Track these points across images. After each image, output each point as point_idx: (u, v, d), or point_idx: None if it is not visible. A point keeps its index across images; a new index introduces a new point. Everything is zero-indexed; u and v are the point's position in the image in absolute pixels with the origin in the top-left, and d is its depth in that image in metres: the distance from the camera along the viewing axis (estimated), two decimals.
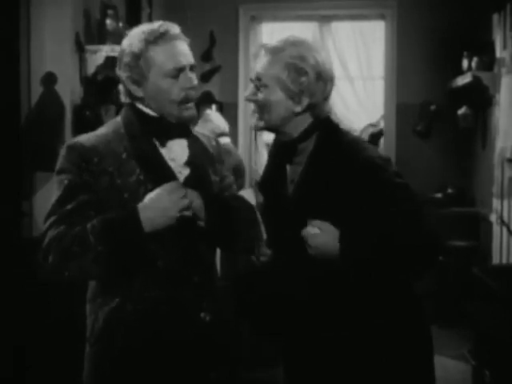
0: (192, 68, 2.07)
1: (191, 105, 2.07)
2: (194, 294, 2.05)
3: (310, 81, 2.08)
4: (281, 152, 2.20)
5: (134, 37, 2.04)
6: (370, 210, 2.03)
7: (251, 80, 2.16)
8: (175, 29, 2.05)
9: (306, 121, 2.14)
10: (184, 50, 2.05)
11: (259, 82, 2.11)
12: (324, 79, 2.11)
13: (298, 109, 2.11)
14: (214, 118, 4.30)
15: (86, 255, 1.90)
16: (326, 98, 2.15)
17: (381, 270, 2.05)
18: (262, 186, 2.31)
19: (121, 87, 2.10)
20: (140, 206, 1.93)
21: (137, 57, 2.01)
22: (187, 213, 1.96)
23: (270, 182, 2.25)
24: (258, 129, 2.20)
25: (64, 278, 1.95)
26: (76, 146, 2.02)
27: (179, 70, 2.02)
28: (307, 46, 2.11)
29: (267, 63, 2.10)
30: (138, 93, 2.05)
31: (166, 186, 1.96)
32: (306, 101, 2.10)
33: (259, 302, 2.45)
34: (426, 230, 2.07)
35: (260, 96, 2.11)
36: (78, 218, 1.95)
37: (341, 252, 2.00)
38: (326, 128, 2.16)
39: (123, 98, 2.11)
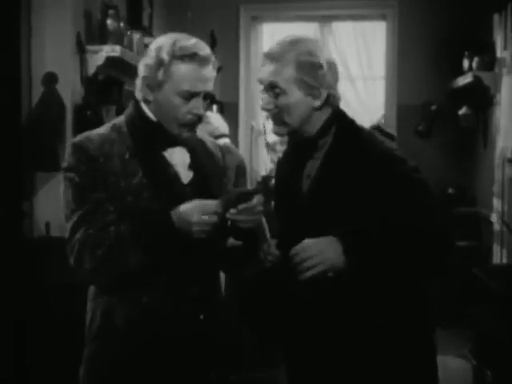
0: (207, 96, 2.06)
1: (192, 127, 2.08)
2: (194, 295, 2.05)
3: (325, 72, 2.10)
4: (301, 149, 2.18)
5: (165, 44, 2.02)
6: (385, 204, 2.03)
7: (263, 91, 2.14)
8: (206, 51, 2.03)
9: (324, 115, 2.15)
10: (206, 76, 2.03)
11: (274, 90, 2.10)
12: (334, 68, 2.14)
13: (318, 103, 2.12)
14: (213, 120, 4.30)
15: (123, 263, 1.94)
16: (337, 85, 2.17)
17: (389, 269, 2.05)
18: (277, 184, 2.30)
19: (137, 82, 2.09)
20: (172, 213, 1.94)
21: (160, 65, 2.00)
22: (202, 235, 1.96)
23: (286, 179, 2.24)
24: (281, 135, 2.19)
25: (101, 282, 2.03)
26: (82, 145, 2.02)
27: (192, 95, 2.01)
28: (310, 41, 2.13)
29: (278, 68, 2.09)
30: (149, 96, 2.05)
31: (203, 205, 1.95)
32: (325, 93, 2.11)
33: (262, 302, 2.44)
34: (438, 227, 2.07)
35: (278, 102, 2.10)
36: (101, 216, 1.96)
37: (348, 264, 2.00)
38: (343, 122, 2.18)
39: (137, 93, 2.10)
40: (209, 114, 4.30)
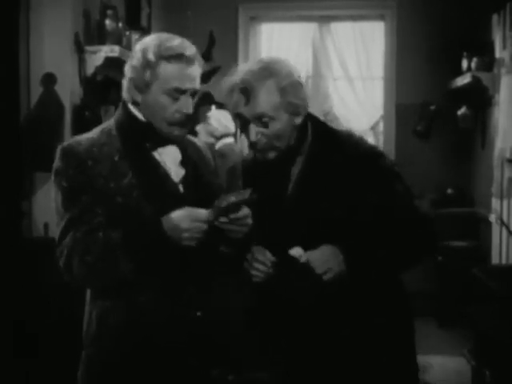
0: (194, 94, 2.07)
1: (182, 126, 2.08)
2: (190, 295, 2.05)
3: (304, 88, 2.12)
4: (283, 157, 2.16)
5: (151, 45, 2.03)
6: (372, 198, 2.06)
7: (251, 123, 2.10)
8: (192, 50, 2.05)
9: (298, 127, 2.15)
10: (192, 75, 2.05)
11: (262, 120, 2.08)
12: (302, 79, 2.15)
13: (299, 120, 2.12)
14: (213, 121, 4.27)
15: (112, 271, 1.94)
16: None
17: (385, 265, 2.08)
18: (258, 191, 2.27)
19: (124, 83, 2.10)
20: (163, 220, 1.94)
21: (146, 66, 2.01)
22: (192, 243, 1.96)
23: (267, 186, 2.21)
24: (270, 159, 2.14)
25: (95, 286, 2.04)
26: (70, 149, 2.03)
27: (180, 92, 2.03)
28: (281, 62, 2.12)
29: (263, 99, 2.07)
30: (137, 97, 2.06)
31: (194, 213, 1.94)
32: (304, 110, 2.12)
33: (262, 304, 2.43)
34: (423, 215, 2.18)
35: (268, 131, 2.09)
36: (88, 219, 1.96)
37: (348, 272, 2.03)
38: (316, 123, 2.20)
39: (124, 94, 2.11)
40: (210, 114, 4.25)
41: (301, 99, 2.10)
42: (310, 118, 2.19)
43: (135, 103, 2.07)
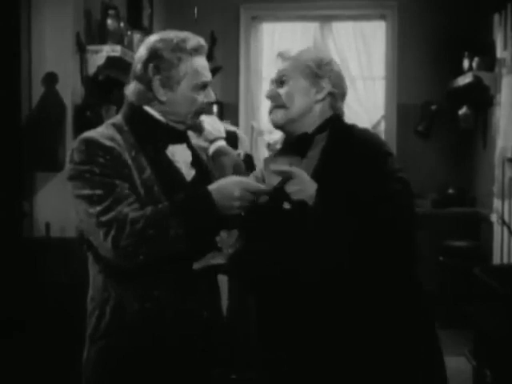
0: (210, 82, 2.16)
1: (201, 113, 2.16)
2: (200, 293, 2.06)
3: (332, 67, 2.22)
4: (296, 147, 2.21)
5: (174, 42, 2.05)
6: (364, 198, 2.04)
7: (272, 82, 2.24)
8: (203, 42, 2.12)
9: (323, 115, 2.22)
10: (207, 65, 2.13)
11: (281, 79, 2.20)
12: (342, 77, 2.27)
13: (320, 96, 2.19)
14: (206, 125, 4.29)
15: (163, 238, 1.91)
16: (343, 94, 2.30)
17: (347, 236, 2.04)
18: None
19: (132, 86, 2.10)
20: (211, 188, 1.97)
21: (176, 63, 2.05)
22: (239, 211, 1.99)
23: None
24: (279, 123, 2.21)
25: (138, 262, 1.93)
26: (93, 139, 2.00)
27: (206, 85, 2.10)
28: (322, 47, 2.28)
29: (291, 61, 2.20)
30: (162, 97, 2.06)
31: (245, 182, 1.99)
32: (328, 87, 2.20)
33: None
34: (404, 229, 2.07)
35: (282, 90, 2.19)
36: (134, 198, 1.96)
37: (315, 202, 2.02)
38: (339, 123, 2.24)
39: (131, 97, 2.10)
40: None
41: (321, 70, 2.19)
42: (336, 117, 2.26)
43: (158, 102, 2.08)
